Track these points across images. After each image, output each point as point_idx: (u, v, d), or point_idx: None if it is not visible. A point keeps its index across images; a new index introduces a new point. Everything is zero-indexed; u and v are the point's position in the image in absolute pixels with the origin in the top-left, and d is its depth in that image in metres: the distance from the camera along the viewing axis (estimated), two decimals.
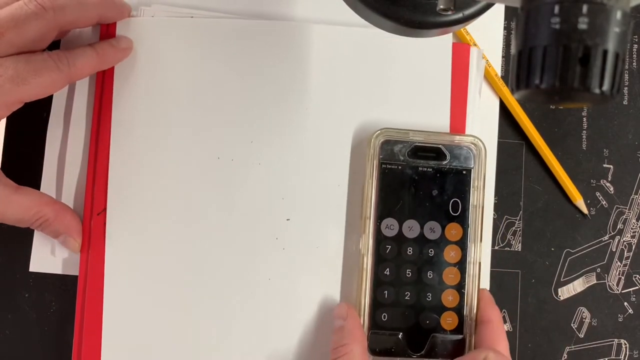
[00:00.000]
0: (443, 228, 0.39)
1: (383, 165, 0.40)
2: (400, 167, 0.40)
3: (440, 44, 0.42)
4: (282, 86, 0.41)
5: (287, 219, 0.41)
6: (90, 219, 0.40)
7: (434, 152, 0.40)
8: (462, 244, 0.39)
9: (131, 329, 0.40)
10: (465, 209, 0.40)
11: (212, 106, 0.41)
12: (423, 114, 0.42)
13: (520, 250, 0.43)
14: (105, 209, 0.40)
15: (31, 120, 0.42)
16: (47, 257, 0.41)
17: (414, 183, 0.40)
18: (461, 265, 0.39)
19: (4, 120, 0.41)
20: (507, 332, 0.43)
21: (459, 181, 0.40)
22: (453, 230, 0.39)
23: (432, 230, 0.39)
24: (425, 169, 0.40)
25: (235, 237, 0.40)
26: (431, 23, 0.29)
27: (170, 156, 0.41)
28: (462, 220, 0.39)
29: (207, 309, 0.40)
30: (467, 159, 0.40)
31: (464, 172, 0.40)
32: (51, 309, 0.41)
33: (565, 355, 0.43)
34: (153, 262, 0.40)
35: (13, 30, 0.35)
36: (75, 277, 0.40)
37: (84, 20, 0.39)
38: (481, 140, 0.40)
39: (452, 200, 0.40)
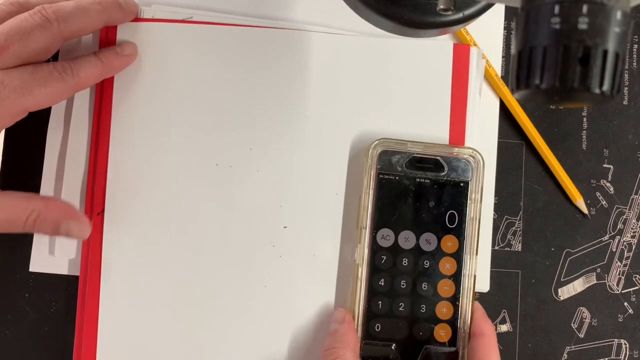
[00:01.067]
0: (439, 240, 0.39)
1: (380, 176, 0.39)
2: (397, 178, 0.40)
3: (440, 51, 0.42)
4: (281, 94, 0.41)
5: (285, 227, 0.41)
6: (91, 218, 0.40)
7: (432, 164, 0.40)
8: (458, 256, 0.39)
9: (127, 333, 0.40)
10: (461, 221, 0.39)
11: (211, 112, 0.41)
12: (423, 118, 0.41)
13: (520, 250, 0.43)
14: (104, 210, 0.40)
15: (31, 121, 0.42)
16: (47, 257, 0.41)
17: (411, 194, 0.39)
18: (456, 277, 0.39)
19: None
20: (507, 332, 0.43)
21: (456, 193, 0.40)
22: (449, 242, 0.39)
23: (428, 241, 0.39)
24: (423, 180, 0.40)
25: (232, 244, 0.40)
26: (431, 23, 0.29)
27: (169, 161, 0.41)
28: (459, 232, 0.39)
29: (203, 314, 0.40)
30: (465, 171, 0.40)
31: (462, 184, 0.40)
32: (51, 309, 0.41)
33: (565, 355, 0.43)
34: (149, 269, 0.40)
35: (18, 43, 0.35)
36: (75, 277, 0.40)
37: (89, 28, 0.38)
38: (479, 153, 0.40)
39: (449, 212, 0.39)
